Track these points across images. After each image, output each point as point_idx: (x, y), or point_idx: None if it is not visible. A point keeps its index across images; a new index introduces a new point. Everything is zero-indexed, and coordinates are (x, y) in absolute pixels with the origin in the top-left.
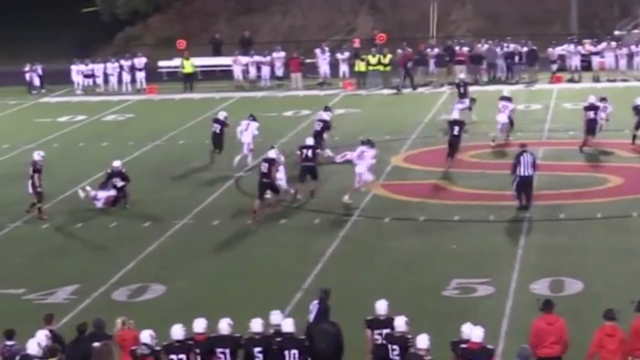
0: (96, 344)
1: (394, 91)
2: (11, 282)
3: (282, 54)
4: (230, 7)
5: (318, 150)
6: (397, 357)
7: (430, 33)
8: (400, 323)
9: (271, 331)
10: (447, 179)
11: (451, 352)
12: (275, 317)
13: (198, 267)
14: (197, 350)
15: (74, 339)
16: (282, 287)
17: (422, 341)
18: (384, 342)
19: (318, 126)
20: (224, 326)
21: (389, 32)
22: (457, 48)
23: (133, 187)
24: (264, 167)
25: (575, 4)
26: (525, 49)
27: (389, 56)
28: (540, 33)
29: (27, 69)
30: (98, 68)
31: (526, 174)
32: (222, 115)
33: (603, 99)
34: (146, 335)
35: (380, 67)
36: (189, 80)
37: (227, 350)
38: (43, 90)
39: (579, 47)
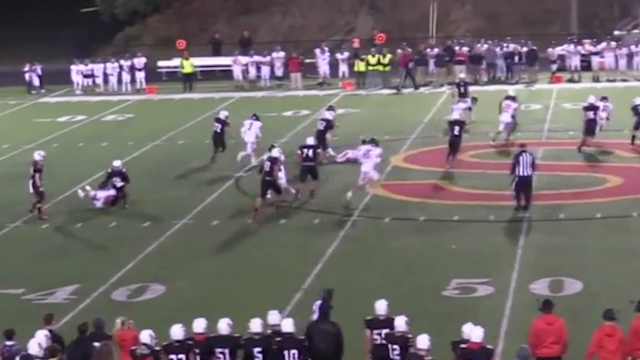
0: (96, 344)
1: (394, 91)
2: (11, 282)
3: (282, 54)
4: (229, 7)
5: (319, 150)
6: (398, 357)
7: (429, 33)
8: (400, 323)
9: (269, 331)
10: (447, 179)
11: (452, 352)
12: (273, 317)
13: (198, 267)
14: (197, 350)
15: (75, 339)
16: (282, 287)
17: (423, 341)
18: (384, 342)
19: (321, 125)
20: (223, 326)
21: (389, 32)
22: (456, 48)
23: (133, 187)
24: (267, 165)
25: (575, 4)
26: (525, 49)
27: (389, 56)
28: (539, 33)
29: (26, 69)
30: (98, 68)
31: (525, 174)
32: (223, 114)
33: (604, 98)
34: (146, 335)
35: (380, 67)
36: (188, 80)
37: (227, 351)
38: (42, 90)
39: (579, 47)
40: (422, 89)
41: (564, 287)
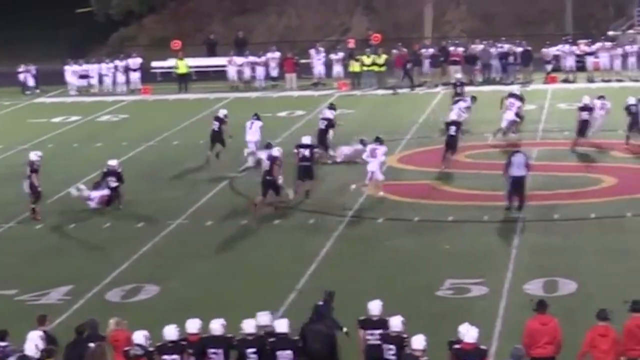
0: (93, 345)
1: (391, 92)
2: (4, 282)
3: (277, 54)
4: (225, 7)
5: (316, 150)
6: (393, 357)
7: (424, 33)
8: (396, 323)
9: (261, 332)
10: (441, 180)
11: (448, 352)
12: (263, 318)
13: (192, 267)
14: (190, 351)
15: (72, 341)
16: (276, 288)
17: (418, 341)
18: (379, 342)
19: (322, 124)
20: (217, 327)
21: (384, 33)
22: (451, 48)
23: (127, 188)
24: (266, 165)
25: (570, 5)
26: (519, 49)
27: (384, 56)
28: (534, 33)
29: (21, 69)
30: (92, 69)
31: (518, 174)
32: (222, 113)
33: (601, 97)
34: (139, 336)
35: (375, 68)
36: (183, 80)
37: (220, 351)
38: (37, 91)
39: (574, 48)
40: (416, 90)
41: (558, 287)
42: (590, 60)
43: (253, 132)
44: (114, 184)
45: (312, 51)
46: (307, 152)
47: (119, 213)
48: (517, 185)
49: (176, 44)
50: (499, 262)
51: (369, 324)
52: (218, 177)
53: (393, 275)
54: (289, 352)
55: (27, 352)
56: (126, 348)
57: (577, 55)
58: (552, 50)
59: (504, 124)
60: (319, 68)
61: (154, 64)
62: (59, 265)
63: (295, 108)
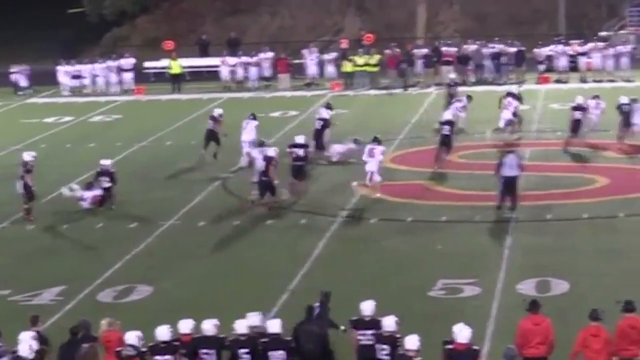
0: (85, 346)
1: (386, 92)
2: None
3: (270, 54)
4: (217, 7)
5: (310, 149)
6: (387, 357)
7: (417, 34)
8: (390, 322)
9: (253, 333)
10: (434, 180)
11: (441, 352)
12: (253, 318)
13: (185, 267)
14: (183, 351)
15: (67, 341)
16: (269, 288)
17: (412, 342)
18: (372, 342)
19: (318, 124)
20: (209, 327)
21: (377, 33)
22: (444, 49)
23: (120, 188)
24: (262, 165)
25: (563, 5)
26: (512, 49)
27: (377, 57)
28: (527, 33)
29: (13, 70)
30: (85, 69)
31: (510, 174)
32: (216, 112)
33: (596, 96)
34: (132, 337)
35: (368, 68)
36: (176, 81)
37: (212, 351)
38: (30, 91)
39: (566, 48)
40: (409, 90)
41: (551, 287)
42: (582, 61)
43: (248, 132)
44: (106, 184)
45: (305, 51)
46: (300, 152)
47: (112, 213)
48: (509, 186)
49: (169, 44)
50: (492, 262)
51: (361, 324)
52: (211, 178)
53: (386, 276)
54: (281, 353)
55: (21, 353)
56: (118, 349)
57: (570, 56)
58: (545, 51)
59: (501, 123)
60: (312, 68)
61: (147, 64)
62: (51, 266)
63: (288, 108)
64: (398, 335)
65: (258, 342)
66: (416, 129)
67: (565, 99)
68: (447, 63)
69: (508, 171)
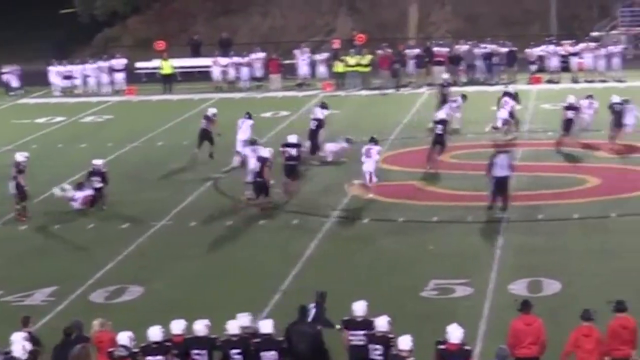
0: (78, 346)
1: (379, 92)
2: None
3: (261, 55)
4: (209, 8)
5: (303, 149)
6: (380, 357)
7: (409, 34)
8: (382, 323)
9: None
10: (426, 180)
11: (435, 352)
12: (243, 319)
13: (176, 268)
14: (175, 352)
15: (61, 342)
16: (261, 289)
17: (405, 342)
18: (365, 342)
19: (313, 125)
20: (200, 327)
21: (368, 33)
22: (436, 49)
23: (111, 189)
24: (257, 166)
25: (555, 5)
26: (504, 49)
27: (368, 57)
28: (519, 34)
29: (4, 70)
30: (76, 69)
31: (501, 174)
32: (210, 112)
33: (589, 96)
34: (124, 337)
35: (359, 68)
36: (167, 81)
37: (204, 352)
38: (21, 92)
39: (558, 48)
40: (401, 90)
41: (543, 287)
42: (574, 61)
43: (243, 131)
44: (98, 185)
45: (297, 52)
46: (293, 151)
47: (103, 214)
48: (500, 186)
49: (160, 45)
50: (484, 262)
51: (352, 324)
52: (202, 178)
53: (378, 276)
54: (273, 353)
55: (15, 354)
56: (110, 349)
57: (562, 56)
58: (537, 51)
59: (499, 123)
60: (303, 69)
61: (139, 64)
62: (43, 266)
63: (280, 109)
64: (391, 336)
65: (250, 342)
66: (408, 130)
67: (557, 99)
68: (439, 63)
69: (499, 171)
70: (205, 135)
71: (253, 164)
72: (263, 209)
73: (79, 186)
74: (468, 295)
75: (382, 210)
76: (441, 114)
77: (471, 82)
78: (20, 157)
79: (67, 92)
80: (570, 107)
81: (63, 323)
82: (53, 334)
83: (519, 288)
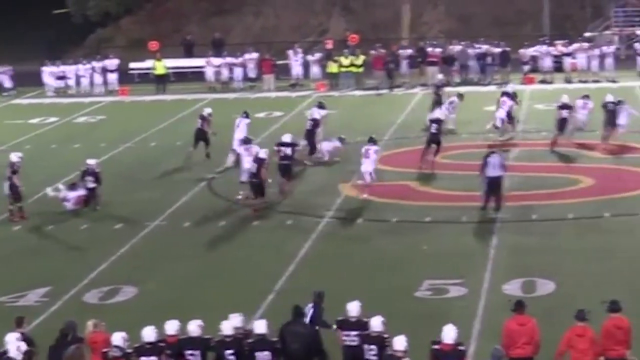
0: (71, 347)
1: (375, 92)
2: None
3: (255, 55)
4: (202, 8)
5: (298, 148)
6: (375, 357)
7: (402, 34)
8: (376, 323)
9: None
10: (419, 180)
11: (429, 352)
12: (235, 319)
13: (170, 268)
14: (168, 352)
15: (56, 343)
16: (255, 289)
17: (400, 342)
18: (357, 343)
19: (309, 125)
20: (194, 328)
21: (362, 33)
22: (429, 49)
23: (105, 189)
24: (254, 167)
25: (548, 5)
26: (497, 50)
27: (362, 57)
28: (512, 34)
29: None
30: (69, 70)
31: (494, 174)
32: (206, 111)
33: (585, 96)
34: (118, 338)
35: (353, 69)
36: (161, 81)
37: (197, 352)
38: (14, 92)
39: (551, 48)
40: (395, 90)
41: (537, 287)
42: (567, 61)
43: (241, 130)
44: (91, 185)
45: (290, 52)
46: (288, 151)
47: (97, 214)
48: (493, 186)
49: (153, 45)
50: (478, 262)
51: (346, 324)
52: (196, 178)
53: (371, 276)
54: (267, 353)
55: (11, 354)
56: (104, 350)
57: (555, 56)
58: (530, 51)
59: (498, 123)
60: (297, 69)
61: (132, 65)
62: (36, 267)
63: (273, 109)
64: (386, 336)
65: (244, 343)
66: (401, 130)
67: (550, 99)
68: (432, 64)
69: (492, 171)
70: (201, 135)
71: (247, 163)
72: (256, 210)
73: (71, 186)
74: (462, 296)
75: (376, 211)
76: (437, 113)
77: (464, 83)
78: (14, 157)
79: (60, 92)
80: (564, 106)
81: (57, 324)
82: (47, 334)
83: (513, 288)
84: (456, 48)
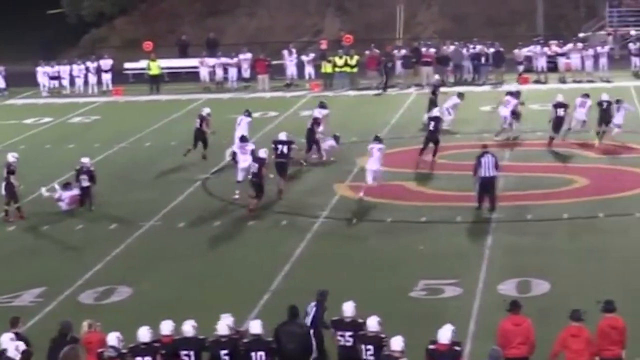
0: (66, 348)
1: (375, 93)
2: None
3: (249, 55)
4: (196, 8)
5: (294, 146)
6: (372, 357)
7: (396, 34)
8: (373, 323)
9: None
10: (414, 180)
11: (425, 352)
12: (226, 320)
13: (165, 269)
14: (163, 352)
15: (57, 342)
16: (250, 289)
17: (397, 343)
18: (351, 343)
19: (309, 123)
20: (188, 328)
21: (356, 34)
22: (423, 49)
23: (99, 189)
24: (254, 167)
25: (542, 5)
26: (491, 50)
27: (356, 57)
28: (506, 34)
29: None
30: (64, 70)
31: (487, 175)
32: (204, 111)
33: (586, 95)
34: (113, 338)
35: (347, 69)
36: (155, 82)
37: (192, 353)
38: (6, 92)
39: (545, 49)
40: (389, 90)
41: (532, 287)
42: (561, 61)
43: (241, 128)
44: (86, 183)
45: (285, 52)
46: (284, 149)
47: (92, 214)
48: (487, 186)
49: (148, 45)
50: (473, 262)
51: (341, 325)
52: (191, 179)
53: (367, 276)
54: (262, 354)
55: (9, 354)
56: (100, 350)
57: (549, 56)
58: (524, 51)
59: (502, 122)
60: (291, 69)
61: (127, 65)
62: (32, 267)
63: (268, 109)
64: (383, 336)
65: (239, 343)
66: (396, 130)
67: (545, 99)
68: (427, 64)
69: (485, 172)
70: (200, 135)
71: (242, 162)
72: (252, 210)
73: (65, 186)
74: (457, 296)
75: (370, 211)
76: (435, 112)
77: (458, 83)
78: (11, 157)
79: (54, 92)
80: (559, 105)
81: (52, 324)
82: (42, 335)
83: (508, 288)
84: (450, 48)
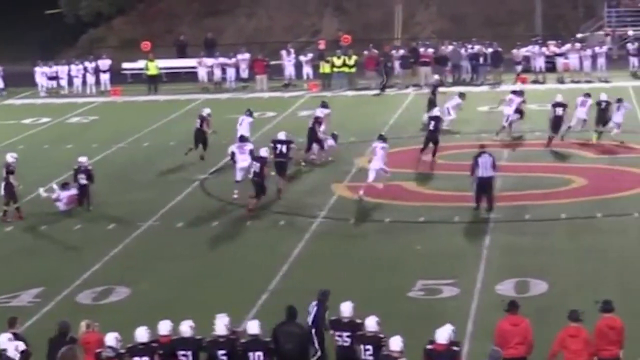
0: (64, 348)
1: (376, 93)
2: None
3: (247, 55)
4: (194, 8)
5: (293, 145)
6: (371, 357)
7: (395, 35)
8: (371, 323)
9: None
10: (412, 180)
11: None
12: (222, 319)
13: (163, 269)
14: (161, 352)
15: (56, 341)
16: (248, 289)
17: (396, 343)
18: (349, 343)
19: (310, 122)
20: (186, 328)
21: (354, 34)
22: (421, 49)
23: (97, 189)
24: (256, 166)
25: (540, 5)
26: (489, 50)
27: (354, 57)
28: (504, 34)
29: None
30: (62, 70)
31: (485, 175)
32: (205, 111)
33: (587, 95)
34: (111, 338)
35: (345, 69)
36: (153, 82)
37: (189, 353)
38: (4, 93)
39: (543, 49)
40: (387, 91)
41: (530, 287)
42: (560, 61)
43: (243, 128)
44: (84, 182)
45: (283, 52)
46: (284, 148)
47: (90, 215)
48: (484, 186)
49: (146, 45)
50: (470, 262)
51: (339, 325)
52: (189, 179)
53: (364, 276)
54: (260, 354)
55: (9, 354)
56: (98, 350)
57: (547, 56)
58: (522, 51)
59: (504, 121)
60: (289, 69)
61: (125, 65)
62: (29, 267)
63: (266, 109)
64: (382, 336)
65: (236, 343)
66: (394, 130)
67: (543, 99)
68: (425, 64)
69: (482, 172)
70: (200, 136)
71: (241, 161)
72: (250, 210)
73: (63, 186)
74: (455, 296)
75: (368, 211)
76: (436, 111)
77: (457, 83)
78: (10, 158)
79: (52, 92)
80: (558, 105)
81: (50, 324)
82: (40, 335)
83: (505, 288)
84: (448, 48)
